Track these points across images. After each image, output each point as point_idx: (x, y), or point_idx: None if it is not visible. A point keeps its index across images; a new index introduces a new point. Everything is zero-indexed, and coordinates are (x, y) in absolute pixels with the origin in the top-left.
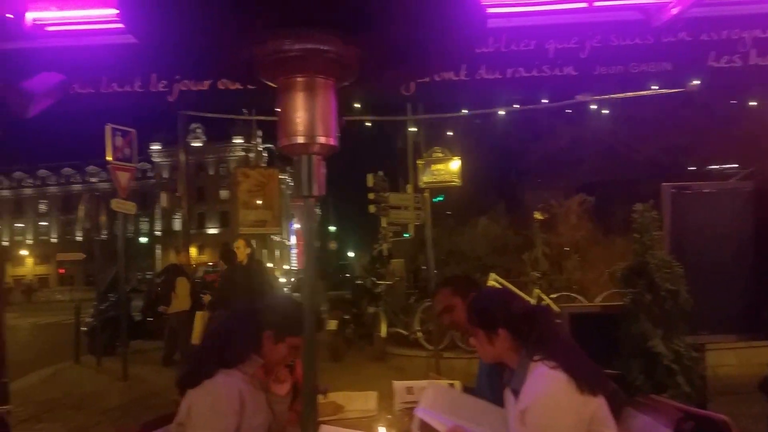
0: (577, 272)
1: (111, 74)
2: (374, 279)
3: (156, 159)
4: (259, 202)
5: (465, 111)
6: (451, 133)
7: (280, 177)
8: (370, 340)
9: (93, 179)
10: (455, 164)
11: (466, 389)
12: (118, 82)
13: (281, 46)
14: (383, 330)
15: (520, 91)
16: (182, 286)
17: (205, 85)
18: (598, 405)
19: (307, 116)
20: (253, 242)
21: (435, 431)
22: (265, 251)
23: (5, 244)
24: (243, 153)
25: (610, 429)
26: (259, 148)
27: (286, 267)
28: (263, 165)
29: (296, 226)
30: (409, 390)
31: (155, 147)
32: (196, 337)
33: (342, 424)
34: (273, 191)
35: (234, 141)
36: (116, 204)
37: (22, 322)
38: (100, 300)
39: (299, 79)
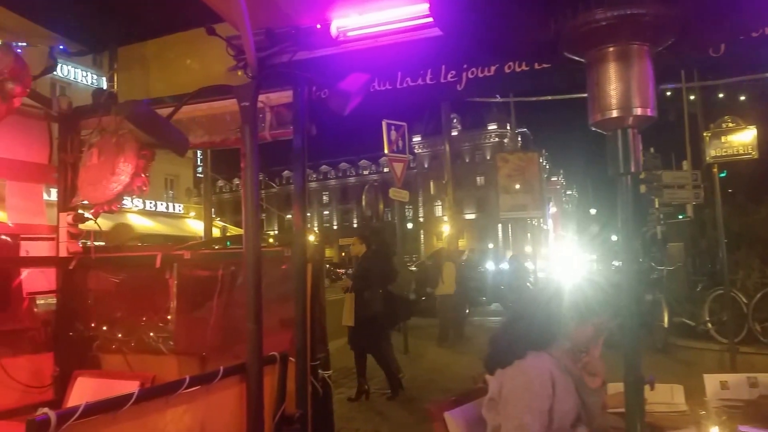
0: None
1: (405, 70)
2: (652, 264)
3: (417, 150)
4: (518, 186)
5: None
6: (741, 99)
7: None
8: (649, 329)
9: (365, 172)
10: (749, 134)
11: None
12: (411, 77)
13: (593, 17)
14: (665, 319)
15: None
16: (448, 270)
17: (492, 70)
18: None
19: (622, 88)
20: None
21: None
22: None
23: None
24: (497, 139)
25: None
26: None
27: (543, 252)
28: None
29: (553, 209)
30: (723, 384)
31: (416, 139)
32: (346, 319)
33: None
34: (533, 175)
35: (488, 128)
36: (393, 192)
37: None
38: None
39: (611, 49)
